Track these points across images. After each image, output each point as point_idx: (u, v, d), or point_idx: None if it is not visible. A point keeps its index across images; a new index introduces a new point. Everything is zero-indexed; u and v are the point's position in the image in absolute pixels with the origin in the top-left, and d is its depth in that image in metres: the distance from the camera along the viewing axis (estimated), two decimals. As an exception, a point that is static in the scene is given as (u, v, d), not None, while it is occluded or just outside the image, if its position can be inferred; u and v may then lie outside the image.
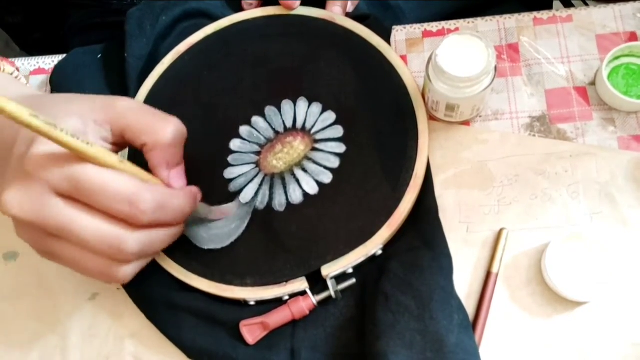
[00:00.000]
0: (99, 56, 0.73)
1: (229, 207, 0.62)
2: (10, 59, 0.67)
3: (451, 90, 0.59)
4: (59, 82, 0.72)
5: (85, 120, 0.50)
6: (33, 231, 0.49)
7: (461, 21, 0.71)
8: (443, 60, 0.57)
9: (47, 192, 0.47)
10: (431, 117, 0.66)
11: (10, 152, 0.50)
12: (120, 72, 0.71)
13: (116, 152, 0.54)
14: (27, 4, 0.85)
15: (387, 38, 0.69)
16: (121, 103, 0.52)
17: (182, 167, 0.56)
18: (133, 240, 0.49)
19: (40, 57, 0.77)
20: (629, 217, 0.61)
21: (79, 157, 0.47)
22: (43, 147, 0.47)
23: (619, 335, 0.57)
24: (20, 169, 0.47)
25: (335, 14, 0.69)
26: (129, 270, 0.51)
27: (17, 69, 0.67)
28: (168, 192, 0.52)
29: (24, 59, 0.78)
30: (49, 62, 0.77)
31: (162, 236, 0.53)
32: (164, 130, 0.52)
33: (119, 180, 0.47)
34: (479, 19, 0.71)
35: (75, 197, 0.47)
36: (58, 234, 0.48)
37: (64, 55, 0.74)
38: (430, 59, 0.60)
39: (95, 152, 0.47)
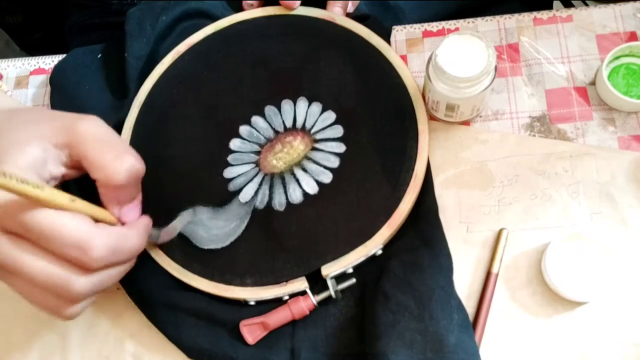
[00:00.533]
0: (99, 56, 0.73)
1: (174, 225, 0.61)
2: None
3: (451, 90, 0.59)
4: (59, 82, 0.71)
5: (45, 145, 0.49)
6: None
7: (461, 21, 0.71)
8: (443, 60, 0.57)
9: None
10: (431, 117, 0.66)
11: None
12: (120, 72, 0.70)
13: (77, 176, 0.52)
14: (27, 4, 0.85)
15: (387, 38, 0.69)
16: (83, 127, 0.50)
17: (137, 202, 0.54)
18: (82, 282, 0.47)
19: (40, 57, 0.77)
20: (629, 217, 0.60)
21: (30, 200, 0.45)
22: None
23: (618, 335, 0.57)
24: None
25: (335, 14, 0.69)
26: (77, 309, 0.50)
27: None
28: (120, 235, 0.49)
29: (24, 59, 0.78)
30: (49, 62, 0.77)
31: (113, 274, 0.51)
32: (117, 171, 0.49)
33: (69, 225, 0.46)
34: (479, 19, 0.71)
35: (25, 237, 0.46)
36: (7, 270, 0.47)
37: (64, 55, 0.74)
38: (430, 59, 0.60)
39: (45, 195, 0.45)
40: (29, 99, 0.75)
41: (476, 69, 0.57)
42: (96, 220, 0.49)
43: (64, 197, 0.47)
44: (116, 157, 0.49)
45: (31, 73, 0.76)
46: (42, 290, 0.48)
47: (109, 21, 0.79)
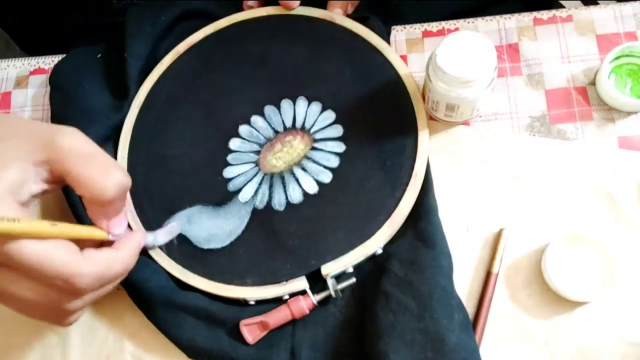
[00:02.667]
0: (99, 56, 0.73)
1: (172, 225, 0.62)
2: None
3: (451, 90, 0.59)
4: (59, 82, 0.71)
5: (23, 165, 0.47)
6: None
7: (461, 21, 0.71)
8: (443, 60, 0.57)
9: None
10: (431, 117, 0.65)
11: None
12: (120, 72, 0.70)
13: (59, 189, 0.52)
14: (27, 4, 0.84)
15: (386, 38, 0.68)
16: (63, 141, 0.47)
17: (124, 214, 0.53)
18: (74, 302, 0.48)
19: (40, 57, 0.77)
20: (629, 217, 0.60)
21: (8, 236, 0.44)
22: None
23: (618, 334, 0.57)
24: None
25: (335, 14, 0.69)
26: (73, 319, 0.50)
27: None
28: (107, 261, 0.48)
29: (23, 59, 0.78)
30: (49, 62, 0.76)
31: (105, 291, 0.51)
32: (105, 187, 0.48)
33: (53, 256, 0.44)
34: (479, 18, 0.70)
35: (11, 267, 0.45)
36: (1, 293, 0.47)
37: (64, 56, 0.74)
38: (430, 59, 0.59)
39: (23, 228, 0.43)
40: (28, 99, 0.75)
41: (476, 69, 0.56)
42: (83, 241, 0.48)
43: (43, 225, 0.45)
44: (102, 172, 0.48)
45: (31, 73, 0.76)
46: (37, 307, 0.47)
47: (109, 21, 0.78)
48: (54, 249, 0.45)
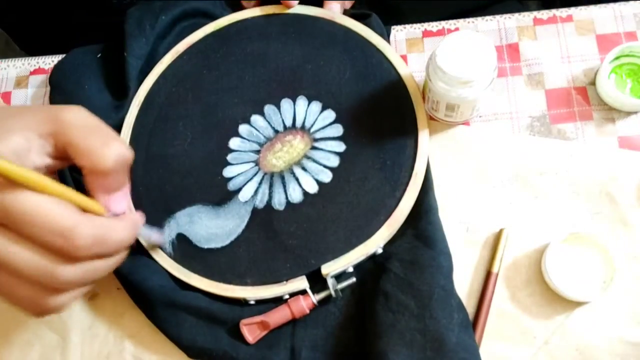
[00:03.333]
0: (99, 56, 0.72)
1: (165, 231, 0.62)
2: None
3: (451, 90, 0.58)
4: (58, 82, 0.70)
5: (29, 135, 0.46)
6: None
7: (461, 21, 0.70)
8: (443, 60, 0.56)
9: None
10: (431, 117, 0.65)
11: None
12: (120, 72, 0.70)
13: (62, 167, 0.51)
14: (27, 3, 0.84)
15: (386, 37, 0.68)
16: (67, 115, 0.47)
17: (125, 191, 0.51)
18: (67, 270, 0.45)
19: (40, 57, 0.77)
20: (629, 217, 0.60)
21: (12, 181, 0.43)
22: None
23: (618, 334, 0.57)
24: None
25: (334, 13, 0.68)
26: (62, 300, 0.47)
27: None
28: (106, 225, 0.47)
29: (23, 59, 0.77)
30: (49, 61, 0.76)
31: (101, 267, 0.48)
32: (104, 156, 0.47)
33: (53, 210, 0.44)
34: (479, 18, 0.70)
35: (6, 224, 0.44)
36: None
37: (64, 55, 0.73)
38: (430, 58, 0.59)
39: (29, 175, 0.43)
40: (28, 99, 0.74)
41: (476, 69, 0.56)
42: (83, 211, 0.47)
43: (44, 178, 0.44)
44: (103, 143, 0.47)
45: (31, 73, 0.76)
46: (25, 283, 0.45)
47: (109, 21, 0.77)
48: (55, 204, 0.44)
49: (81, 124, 0.47)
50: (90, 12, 0.82)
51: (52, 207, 0.44)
